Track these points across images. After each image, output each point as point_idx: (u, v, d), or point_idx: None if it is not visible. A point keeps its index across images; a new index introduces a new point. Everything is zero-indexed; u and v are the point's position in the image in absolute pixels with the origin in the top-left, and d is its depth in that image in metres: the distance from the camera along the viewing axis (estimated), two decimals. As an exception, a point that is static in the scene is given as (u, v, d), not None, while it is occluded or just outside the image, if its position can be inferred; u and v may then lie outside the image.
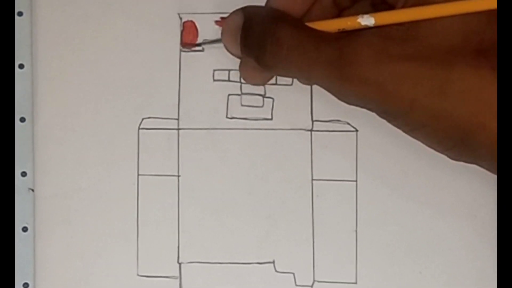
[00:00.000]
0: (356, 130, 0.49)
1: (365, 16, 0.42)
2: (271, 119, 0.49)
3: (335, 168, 0.49)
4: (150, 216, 0.49)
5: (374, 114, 0.49)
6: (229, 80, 0.49)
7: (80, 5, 0.49)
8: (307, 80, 0.45)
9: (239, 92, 0.49)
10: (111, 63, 0.49)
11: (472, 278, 0.48)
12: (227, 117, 0.49)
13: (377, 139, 0.49)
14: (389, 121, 0.43)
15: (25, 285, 0.49)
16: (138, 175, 0.49)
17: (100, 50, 0.49)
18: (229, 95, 0.49)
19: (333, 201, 0.49)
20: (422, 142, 0.43)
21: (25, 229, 0.49)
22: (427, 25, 0.41)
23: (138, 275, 0.49)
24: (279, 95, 0.49)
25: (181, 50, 0.49)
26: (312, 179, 0.49)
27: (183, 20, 0.49)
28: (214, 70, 0.49)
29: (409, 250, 0.49)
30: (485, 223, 0.48)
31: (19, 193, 0.49)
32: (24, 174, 0.49)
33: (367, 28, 0.42)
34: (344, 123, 0.49)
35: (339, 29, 0.43)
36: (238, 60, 0.48)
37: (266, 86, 0.49)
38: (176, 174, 0.49)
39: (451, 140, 0.42)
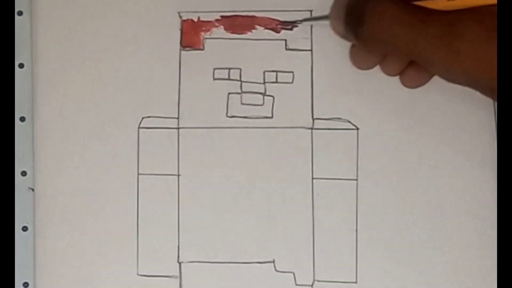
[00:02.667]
0: (357, 129, 0.49)
1: None
2: (272, 117, 0.49)
3: (336, 166, 0.49)
4: (150, 215, 0.49)
5: (374, 113, 0.49)
6: (229, 79, 0.49)
7: (79, 4, 0.49)
8: (408, 54, 0.44)
9: (239, 91, 0.49)
10: (111, 62, 0.49)
11: (472, 278, 0.48)
12: (227, 116, 0.49)
13: (378, 137, 0.49)
14: (495, 99, 0.42)
15: (25, 285, 0.49)
16: (138, 174, 0.49)
17: (100, 49, 0.49)
18: (229, 93, 0.49)
19: (334, 200, 0.49)
20: None
21: (25, 229, 0.49)
22: None
23: (138, 274, 0.49)
24: (280, 93, 0.49)
25: (181, 49, 0.49)
26: (313, 178, 0.49)
27: (183, 19, 0.49)
28: (214, 69, 0.49)
29: (409, 250, 0.48)
30: (485, 223, 0.48)
31: (19, 192, 0.49)
32: (24, 173, 0.49)
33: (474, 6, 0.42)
34: (345, 121, 0.49)
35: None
36: (238, 59, 0.49)
37: (267, 84, 0.49)
38: (176, 173, 0.49)
39: None
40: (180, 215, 0.49)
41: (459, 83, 0.42)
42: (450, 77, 0.43)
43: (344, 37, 0.46)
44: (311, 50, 0.49)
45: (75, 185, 0.49)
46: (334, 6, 0.46)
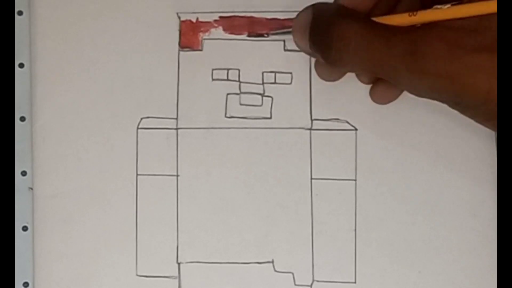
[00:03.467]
0: (356, 129, 0.49)
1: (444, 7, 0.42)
2: (270, 118, 0.49)
3: (334, 167, 0.49)
4: (149, 216, 0.49)
5: (374, 112, 0.49)
6: (227, 79, 0.49)
7: (79, 5, 0.49)
8: (376, 74, 0.45)
9: (238, 91, 0.49)
10: (110, 62, 0.49)
11: (472, 278, 0.48)
12: (226, 116, 0.49)
13: (376, 138, 0.49)
14: (462, 112, 0.43)
15: (25, 284, 0.49)
16: (137, 175, 0.49)
17: (99, 50, 0.49)
18: (228, 94, 0.49)
19: (332, 200, 0.49)
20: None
21: (25, 228, 0.49)
22: None
23: (137, 275, 0.49)
24: (278, 93, 0.49)
25: (179, 50, 0.49)
26: (311, 178, 0.49)
27: (181, 20, 0.49)
28: (213, 70, 0.49)
29: (408, 250, 0.48)
30: (485, 223, 0.48)
31: (19, 192, 0.49)
32: (24, 173, 0.49)
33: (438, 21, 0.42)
34: (343, 122, 0.49)
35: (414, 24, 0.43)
36: (237, 59, 0.49)
37: (265, 84, 0.49)
38: (175, 173, 0.49)
39: None
40: (179, 216, 0.49)
41: (428, 98, 0.43)
42: (418, 94, 0.43)
43: (309, 54, 0.46)
44: (309, 51, 0.49)
45: (74, 185, 0.49)
46: (296, 24, 0.46)
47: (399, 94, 0.47)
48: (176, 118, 0.49)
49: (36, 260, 0.49)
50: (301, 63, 0.49)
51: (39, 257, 0.49)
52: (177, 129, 0.49)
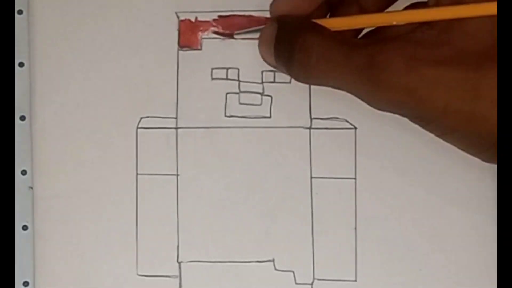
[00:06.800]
0: (355, 128, 0.49)
1: None
2: (270, 117, 0.49)
3: (334, 165, 0.49)
4: (150, 215, 0.49)
5: (373, 111, 0.49)
6: (227, 79, 0.49)
7: (78, 4, 0.49)
8: (338, 88, 0.44)
9: (237, 91, 0.49)
10: (110, 62, 0.49)
11: (472, 276, 0.48)
12: (225, 116, 0.49)
13: (376, 136, 0.49)
14: (422, 126, 0.43)
15: (25, 284, 0.49)
16: (137, 174, 0.49)
17: (98, 49, 0.49)
18: (227, 93, 0.49)
19: (332, 199, 0.49)
20: (455, 145, 0.43)
21: (25, 228, 0.49)
22: (458, 28, 0.41)
23: (137, 274, 0.49)
24: (278, 93, 0.49)
25: (178, 50, 0.49)
26: (311, 177, 0.49)
27: (180, 19, 0.49)
28: (212, 69, 0.49)
29: (409, 248, 0.49)
30: (486, 221, 0.48)
31: (19, 191, 0.49)
32: (24, 172, 0.49)
33: (396, 34, 0.42)
34: (342, 121, 0.49)
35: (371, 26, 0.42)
36: (236, 58, 0.49)
37: (265, 84, 0.49)
38: (175, 173, 0.49)
39: (484, 143, 0.41)
40: (179, 215, 0.49)
41: (389, 112, 0.43)
42: (379, 108, 0.43)
43: (275, 68, 0.46)
44: (309, 50, 0.49)
45: (74, 185, 0.49)
46: (262, 37, 0.46)
47: None
48: (176, 118, 0.49)
49: (36, 259, 0.49)
50: (300, 62, 0.49)
51: (39, 256, 0.49)
52: (176, 128, 0.49)
